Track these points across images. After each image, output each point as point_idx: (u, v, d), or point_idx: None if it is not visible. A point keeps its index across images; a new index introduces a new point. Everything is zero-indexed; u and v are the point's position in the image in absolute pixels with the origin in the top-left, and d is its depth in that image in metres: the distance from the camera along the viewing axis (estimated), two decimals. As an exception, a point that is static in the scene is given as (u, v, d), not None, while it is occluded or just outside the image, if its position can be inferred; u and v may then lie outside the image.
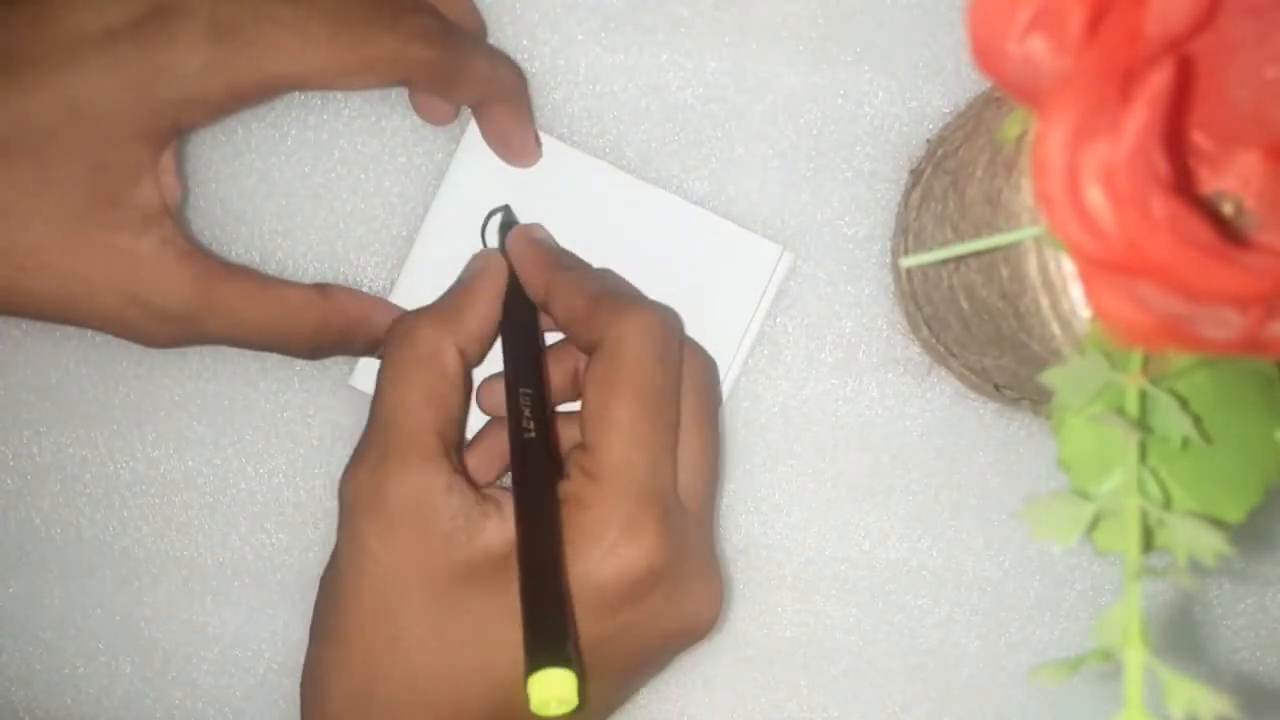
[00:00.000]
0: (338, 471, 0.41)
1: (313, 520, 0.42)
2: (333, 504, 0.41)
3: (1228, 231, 0.25)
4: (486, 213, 0.40)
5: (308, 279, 0.40)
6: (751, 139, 0.41)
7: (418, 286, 0.39)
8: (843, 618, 0.42)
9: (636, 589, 0.32)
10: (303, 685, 0.35)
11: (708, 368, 0.37)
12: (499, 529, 0.33)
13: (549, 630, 0.30)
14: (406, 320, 0.36)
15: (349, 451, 0.41)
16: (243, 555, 0.42)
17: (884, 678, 0.42)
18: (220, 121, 0.38)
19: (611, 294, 0.35)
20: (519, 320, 0.37)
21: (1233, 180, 0.27)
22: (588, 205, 0.39)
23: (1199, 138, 0.27)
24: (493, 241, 0.39)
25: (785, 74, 0.41)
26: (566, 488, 0.33)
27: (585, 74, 0.40)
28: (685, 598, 0.34)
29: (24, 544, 0.42)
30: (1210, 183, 0.27)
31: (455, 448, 0.35)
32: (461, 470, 0.34)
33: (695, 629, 0.35)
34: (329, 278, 0.41)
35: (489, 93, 0.37)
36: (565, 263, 0.38)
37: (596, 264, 0.40)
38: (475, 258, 0.38)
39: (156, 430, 0.41)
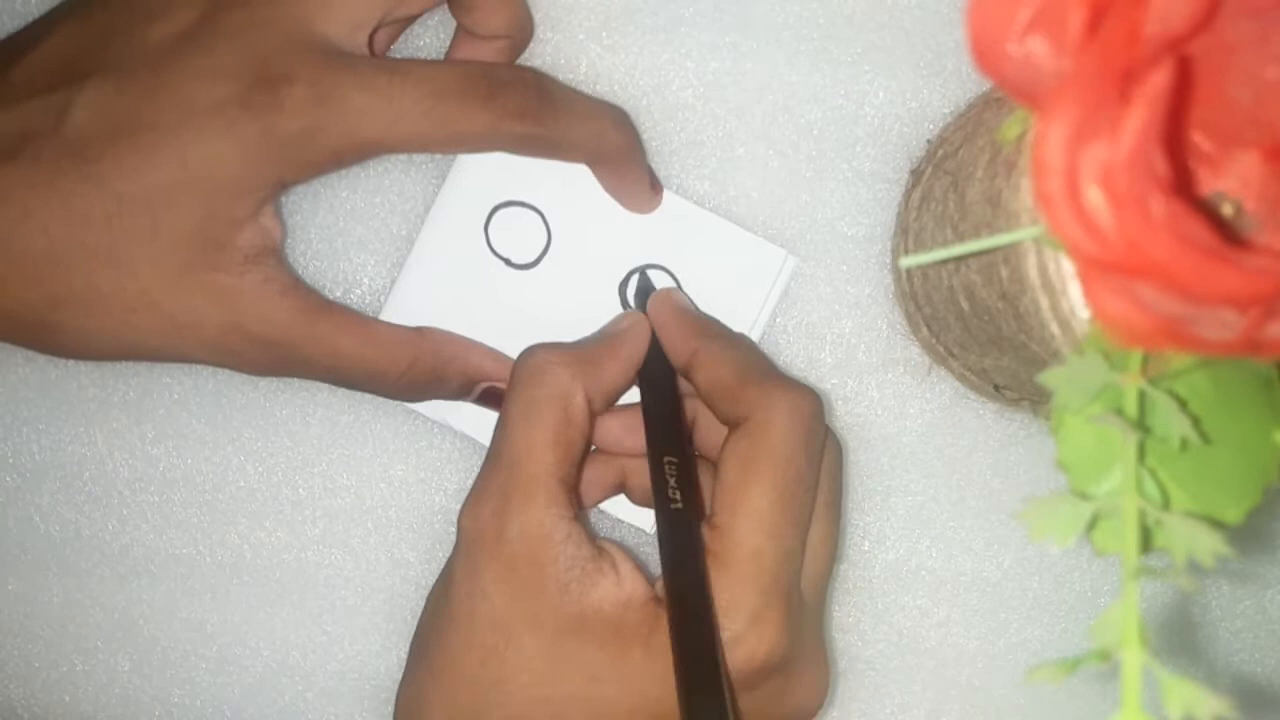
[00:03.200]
0: (336, 470, 0.41)
1: (311, 518, 0.42)
2: (332, 502, 0.42)
3: (1227, 232, 0.25)
4: (489, 211, 0.39)
5: (307, 278, 0.40)
6: (751, 139, 0.41)
7: (418, 286, 0.39)
8: (841, 617, 0.42)
9: (752, 677, 0.33)
10: (400, 703, 0.35)
11: (841, 454, 0.37)
12: (613, 588, 0.33)
13: None
14: (537, 356, 0.35)
15: (347, 450, 0.41)
16: (241, 553, 0.42)
17: (883, 678, 0.42)
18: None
19: (761, 370, 0.35)
20: (659, 385, 0.37)
21: (1232, 181, 0.27)
22: (594, 207, 0.39)
23: (1199, 139, 0.27)
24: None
25: (785, 74, 0.41)
26: None
27: (585, 74, 0.40)
28: (796, 687, 0.34)
29: (23, 541, 0.42)
30: (1210, 184, 0.27)
31: (574, 493, 0.35)
32: (580, 518, 0.34)
33: (800, 717, 0.35)
34: (328, 276, 0.41)
35: (592, 156, 0.38)
36: (712, 330, 0.38)
37: (601, 264, 0.40)
38: (618, 317, 0.38)
39: (156, 428, 0.41)
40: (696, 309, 0.39)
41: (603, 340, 0.37)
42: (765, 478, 0.33)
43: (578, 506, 0.35)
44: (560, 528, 0.33)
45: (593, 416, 0.35)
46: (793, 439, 0.34)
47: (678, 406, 0.37)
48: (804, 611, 0.34)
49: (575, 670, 0.33)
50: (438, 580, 0.36)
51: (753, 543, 0.33)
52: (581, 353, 0.36)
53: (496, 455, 0.34)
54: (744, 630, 0.32)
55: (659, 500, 0.34)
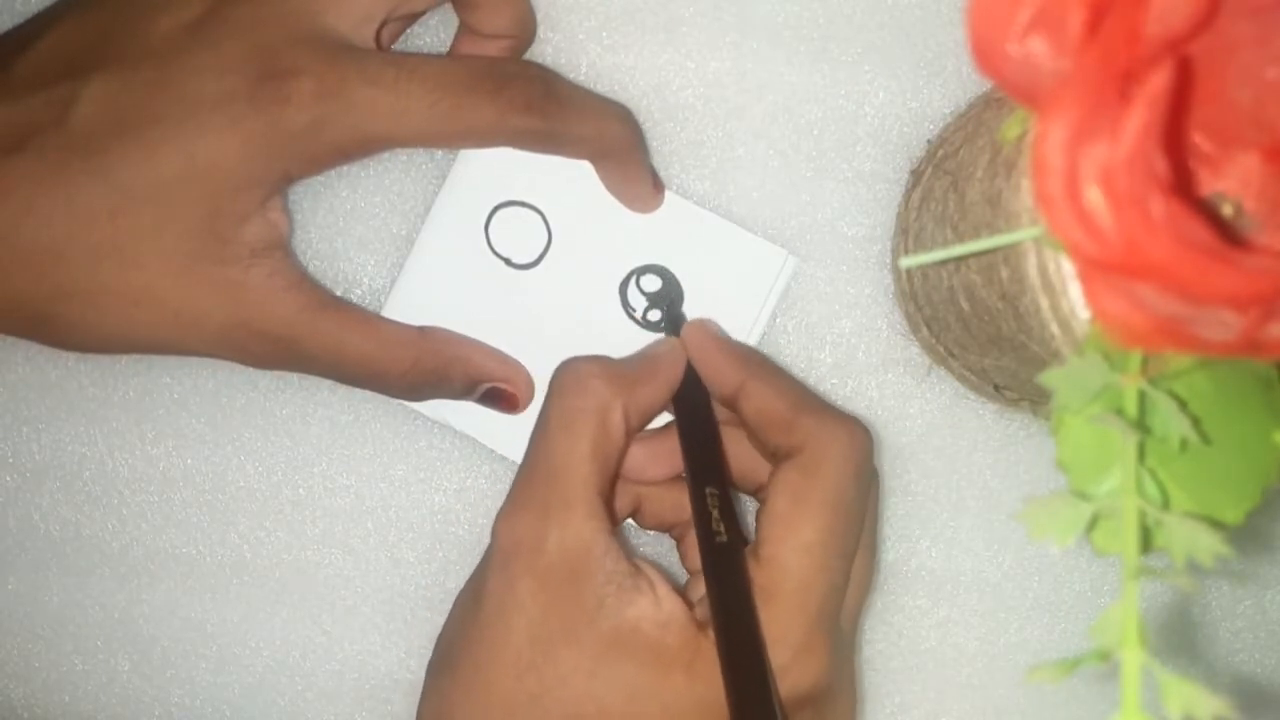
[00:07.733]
0: (336, 469, 0.41)
1: (311, 518, 0.42)
2: (332, 502, 0.42)
3: (1227, 233, 0.25)
4: (489, 210, 0.39)
5: (307, 277, 0.40)
6: (751, 139, 0.41)
7: (418, 286, 0.39)
8: (841, 618, 0.42)
9: (793, 705, 0.33)
10: (424, 716, 0.35)
11: (880, 487, 0.37)
12: (650, 607, 0.33)
13: None
14: (577, 368, 0.35)
15: (348, 450, 0.41)
16: (241, 553, 0.42)
17: (882, 678, 0.42)
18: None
19: (814, 401, 0.35)
20: (697, 414, 0.37)
21: (1232, 182, 0.27)
22: (595, 207, 0.39)
23: (1199, 139, 0.27)
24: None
25: (785, 74, 0.41)
26: None
27: (585, 74, 0.40)
28: (830, 715, 0.34)
29: (23, 541, 0.42)
30: (1210, 184, 0.27)
31: (611, 508, 0.35)
32: (617, 533, 0.34)
33: None
34: (329, 276, 0.41)
35: (596, 152, 0.37)
36: (758, 359, 0.37)
37: (602, 264, 0.40)
38: (655, 342, 0.38)
39: (156, 427, 0.41)
40: (730, 337, 0.39)
41: (640, 360, 0.37)
42: (817, 511, 0.33)
43: (614, 521, 0.34)
44: (600, 541, 0.33)
45: (629, 434, 0.35)
46: (846, 473, 0.33)
47: (716, 436, 0.37)
48: (842, 642, 0.34)
49: (614, 688, 0.32)
50: (464, 590, 0.35)
51: (802, 576, 0.32)
52: (621, 369, 0.36)
53: (534, 465, 0.34)
54: (790, 662, 0.32)
55: (702, 533, 0.33)
